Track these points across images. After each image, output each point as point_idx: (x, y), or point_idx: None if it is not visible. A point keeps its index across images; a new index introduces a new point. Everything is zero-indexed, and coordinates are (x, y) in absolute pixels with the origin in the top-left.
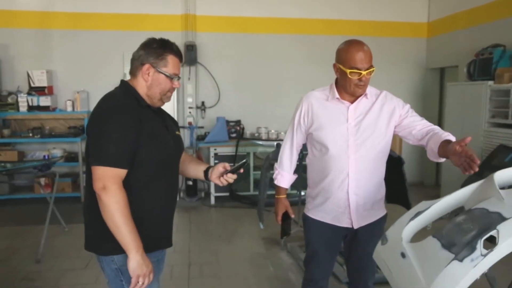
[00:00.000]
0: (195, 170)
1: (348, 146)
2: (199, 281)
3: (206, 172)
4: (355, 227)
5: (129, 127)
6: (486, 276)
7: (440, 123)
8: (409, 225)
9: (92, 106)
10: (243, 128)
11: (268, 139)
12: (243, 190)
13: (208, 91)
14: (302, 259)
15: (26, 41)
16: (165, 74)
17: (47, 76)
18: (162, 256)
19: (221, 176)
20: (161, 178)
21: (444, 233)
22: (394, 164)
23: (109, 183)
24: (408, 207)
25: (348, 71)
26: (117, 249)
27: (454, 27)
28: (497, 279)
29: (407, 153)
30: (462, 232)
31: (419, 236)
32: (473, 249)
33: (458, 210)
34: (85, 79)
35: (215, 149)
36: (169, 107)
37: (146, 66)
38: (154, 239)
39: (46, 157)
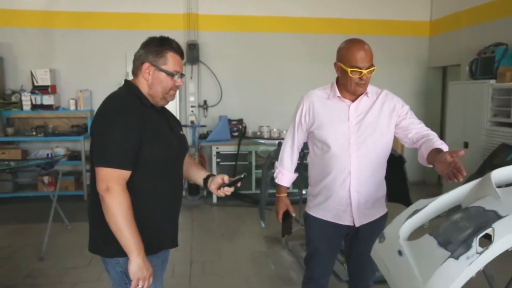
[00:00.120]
0: (196, 175)
1: (350, 145)
2: (201, 279)
3: (206, 180)
4: (357, 225)
5: (132, 127)
6: (484, 274)
7: (442, 122)
8: (406, 223)
9: (95, 105)
10: (245, 127)
11: (270, 138)
12: (245, 188)
13: (210, 90)
14: (303, 257)
15: (30, 40)
16: (165, 72)
17: (51, 75)
18: (166, 256)
19: (219, 187)
20: (165, 178)
21: (441, 231)
22: (395, 163)
23: (113, 185)
24: (409, 206)
25: (349, 70)
26: (122, 251)
27: (456, 26)
28: (495, 277)
29: (408, 152)
30: (458, 230)
31: (416, 234)
32: (468, 247)
33: (456, 209)
34: (88, 78)
35: (217, 148)
36: (171, 106)
37: (146, 65)
38: (159, 239)
39: (50, 156)
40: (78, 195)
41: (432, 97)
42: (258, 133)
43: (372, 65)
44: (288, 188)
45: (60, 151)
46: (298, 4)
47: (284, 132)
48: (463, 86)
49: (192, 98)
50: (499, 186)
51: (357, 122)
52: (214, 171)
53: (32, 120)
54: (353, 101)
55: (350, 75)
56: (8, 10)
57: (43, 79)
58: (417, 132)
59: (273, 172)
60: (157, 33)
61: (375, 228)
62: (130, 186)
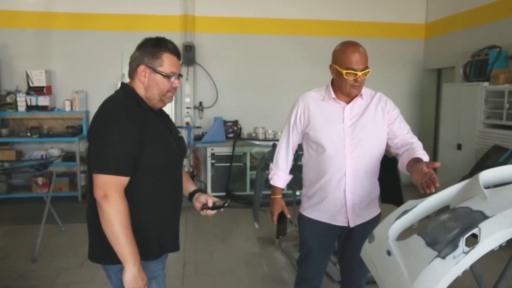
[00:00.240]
0: (183, 187)
1: (345, 146)
2: (194, 280)
3: (192, 195)
4: (352, 225)
5: (131, 132)
6: (473, 274)
7: (436, 124)
8: (395, 224)
9: (91, 106)
10: (240, 128)
11: (265, 139)
12: (239, 190)
13: (205, 91)
14: (296, 258)
15: (25, 41)
16: (161, 74)
17: (46, 76)
18: (165, 260)
19: (203, 208)
20: (165, 181)
21: (429, 231)
22: (388, 164)
23: (111, 192)
24: None
25: (344, 71)
26: None
27: (451, 29)
28: (483, 277)
29: None
30: (446, 230)
31: (406, 234)
32: (455, 246)
33: (444, 209)
34: (83, 79)
35: (212, 149)
36: (167, 107)
37: (142, 67)
38: (160, 244)
39: (44, 157)
40: (72, 196)
41: (427, 99)
42: (253, 135)
43: (367, 67)
44: (283, 189)
45: (55, 152)
46: (294, 6)
47: (279, 133)
48: (457, 88)
49: (187, 100)
50: (487, 187)
51: (352, 123)
52: (209, 172)
53: (27, 121)
54: (347, 103)
55: (345, 77)
56: (4, 11)
57: (39, 80)
58: (402, 139)
59: (268, 174)
60: (153, 35)
61: (369, 229)
62: (129, 191)
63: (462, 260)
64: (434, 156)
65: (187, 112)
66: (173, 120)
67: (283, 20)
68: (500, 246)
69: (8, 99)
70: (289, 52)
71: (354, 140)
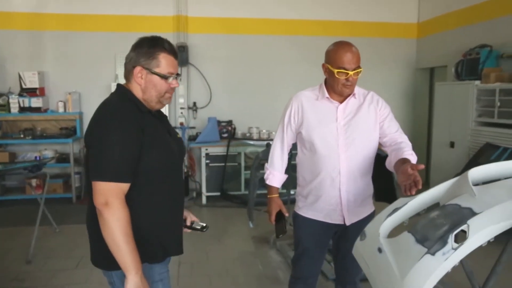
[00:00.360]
0: None
1: (339, 145)
2: (189, 280)
3: None
4: (347, 223)
5: (131, 137)
6: (464, 270)
7: (429, 122)
8: (386, 221)
9: (84, 107)
10: (234, 128)
11: (259, 139)
12: (234, 189)
13: (199, 91)
14: (291, 257)
15: (18, 43)
16: (158, 75)
17: (39, 77)
18: None
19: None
20: (167, 184)
21: (418, 228)
22: (382, 162)
23: (112, 199)
24: None
25: (335, 70)
26: None
27: (443, 28)
28: (474, 273)
29: None
30: (435, 227)
31: (397, 231)
32: (444, 243)
33: (434, 206)
34: (77, 80)
35: (206, 149)
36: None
37: (138, 68)
38: (164, 247)
39: (38, 158)
40: (67, 197)
41: (420, 98)
42: (248, 134)
43: (358, 67)
44: (279, 189)
45: (49, 153)
46: (287, 6)
47: (273, 133)
48: (449, 87)
49: (181, 100)
50: (476, 184)
51: (345, 123)
52: (203, 173)
53: (20, 123)
54: (341, 102)
55: (337, 76)
56: None
57: (31, 82)
58: (391, 138)
59: (262, 173)
60: (146, 35)
61: (363, 227)
62: (131, 196)
63: (451, 256)
64: (427, 154)
65: (181, 113)
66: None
67: (276, 20)
68: (489, 242)
69: (1, 101)
70: (283, 52)
71: (347, 140)
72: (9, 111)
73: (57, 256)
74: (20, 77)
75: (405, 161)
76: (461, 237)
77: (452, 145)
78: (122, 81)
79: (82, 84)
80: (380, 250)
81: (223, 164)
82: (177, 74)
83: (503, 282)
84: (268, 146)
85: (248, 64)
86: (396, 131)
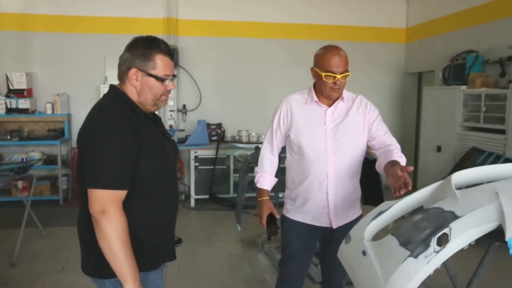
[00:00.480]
0: None
1: (327, 149)
2: (176, 282)
3: None
4: (334, 226)
5: (128, 142)
6: (447, 273)
7: (417, 126)
8: (371, 224)
9: (73, 109)
10: (223, 131)
11: (248, 142)
12: (222, 192)
13: (189, 94)
14: (278, 260)
15: (5, 43)
16: (155, 77)
17: (27, 78)
18: None
19: None
20: (163, 189)
21: (402, 231)
22: (370, 166)
23: (109, 207)
24: None
25: (323, 74)
26: None
27: (431, 33)
28: (457, 275)
29: None
30: (418, 230)
31: (382, 234)
32: (427, 246)
33: (418, 210)
34: (65, 82)
35: (195, 152)
36: None
37: (133, 70)
38: (161, 253)
39: (24, 160)
40: (54, 200)
41: (408, 102)
42: (237, 137)
43: (346, 71)
44: (269, 191)
45: (36, 155)
46: (278, 10)
47: (263, 136)
48: (436, 92)
49: (171, 103)
50: (459, 188)
51: (334, 126)
52: (192, 175)
53: (7, 124)
54: (329, 106)
55: (324, 79)
56: None
57: (19, 83)
58: (380, 140)
59: (250, 176)
60: (140, 36)
61: (349, 230)
62: (127, 202)
63: (434, 259)
64: (415, 158)
65: (171, 115)
66: None
67: (267, 24)
68: (470, 245)
69: None
70: (273, 55)
71: (336, 143)
72: None
73: (43, 259)
74: (7, 78)
75: (394, 163)
76: (443, 240)
77: (439, 149)
78: (113, 82)
79: (70, 85)
80: (364, 253)
81: (212, 167)
82: (173, 76)
83: (486, 284)
84: (257, 149)
85: (238, 67)
86: (384, 133)
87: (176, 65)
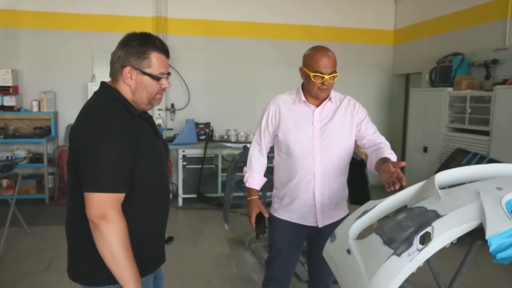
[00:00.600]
0: None
1: (314, 148)
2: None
3: None
4: (320, 225)
5: (126, 143)
6: (431, 271)
7: (404, 127)
8: (356, 223)
9: (60, 107)
10: (212, 131)
11: (237, 142)
12: (210, 192)
13: (178, 93)
14: (265, 259)
15: None
16: (150, 76)
17: (12, 75)
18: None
19: None
20: (158, 192)
21: (386, 230)
22: (357, 166)
23: (109, 211)
24: None
25: (311, 74)
26: (114, 278)
27: (418, 36)
28: (441, 273)
29: None
30: (402, 229)
31: (366, 233)
32: (410, 244)
33: (403, 209)
34: (52, 79)
35: (183, 151)
36: None
37: (127, 69)
38: (156, 258)
39: (10, 158)
40: (40, 198)
41: (396, 103)
42: (225, 137)
43: (334, 72)
44: (258, 191)
45: (21, 153)
46: (267, 10)
47: (251, 135)
48: (423, 93)
49: None
50: (442, 188)
51: (321, 126)
52: (180, 174)
53: None
54: (317, 106)
55: (313, 79)
56: None
57: (4, 80)
58: (370, 139)
59: (238, 176)
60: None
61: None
62: (125, 205)
63: (416, 257)
64: (402, 158)
65: (159, 114)
66: None
67: (256, 24)
68: (452, 243)
69: None
70: (261, 55)
71: (323, 143)
72: None
73: (27, 258)
74: None
75: (385, 160)
76: (426, 239)
77: (425, 150)
78: (100, 80)
79: (57, 83)
80: (349, 251)
81: (200, 166)
82: (168, 73)
83: (468, 282)
84: (245, 148)
85: (227, 66)
86: (374, 132)
87: None
